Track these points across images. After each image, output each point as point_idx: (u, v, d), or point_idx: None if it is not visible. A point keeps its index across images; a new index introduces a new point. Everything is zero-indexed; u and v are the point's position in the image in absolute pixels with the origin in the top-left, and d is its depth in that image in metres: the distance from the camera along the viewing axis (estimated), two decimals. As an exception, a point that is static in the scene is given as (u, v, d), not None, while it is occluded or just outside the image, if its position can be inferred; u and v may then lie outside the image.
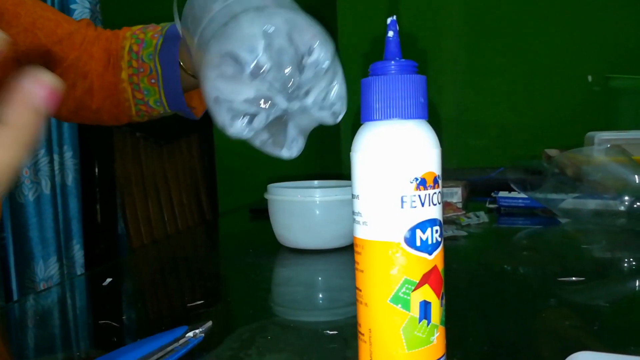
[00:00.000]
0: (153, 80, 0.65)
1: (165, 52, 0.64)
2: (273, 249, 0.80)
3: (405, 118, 0.30)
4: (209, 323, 0.43)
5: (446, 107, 1.63)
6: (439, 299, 0.30)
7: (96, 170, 1.00)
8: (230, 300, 0.58)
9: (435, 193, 0.30)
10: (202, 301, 0.53)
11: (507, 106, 1.63)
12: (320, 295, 0.58)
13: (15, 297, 1.46)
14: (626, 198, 0.74)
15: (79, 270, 1.52)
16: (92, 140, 1.02)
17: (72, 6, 1.50)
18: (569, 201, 0.79)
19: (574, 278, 0.55)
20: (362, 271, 0.31)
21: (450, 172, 1.24)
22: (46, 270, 1.49)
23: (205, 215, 1.22)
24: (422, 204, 0.30)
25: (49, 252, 1.48)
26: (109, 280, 0.62)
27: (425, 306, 0.30)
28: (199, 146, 1.30)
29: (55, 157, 1.50)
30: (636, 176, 0.74)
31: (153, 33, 0.67)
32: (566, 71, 1.57)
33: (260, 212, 1.08)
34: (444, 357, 0.31)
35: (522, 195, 0.89)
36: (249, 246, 0.82)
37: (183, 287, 0.64)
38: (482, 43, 1.65)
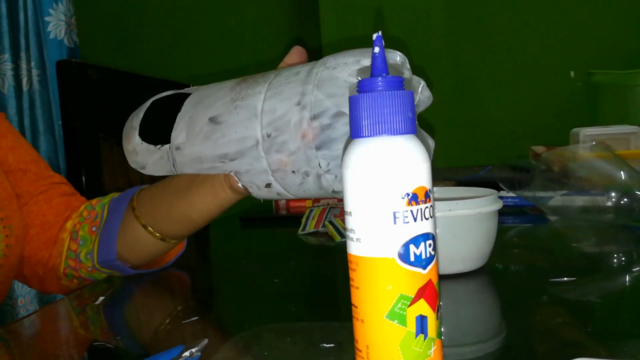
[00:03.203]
0: (94, 228, 0.65)
1: (116, 202, 0.66)
2: (265, 259, 0.80)
3: (393, 134, 0.30)
4: (205, 341, 0.42)
5: (431, 108, 1.63)
6: (434, 312, 0.30)
7: (84, 182, 0.99)
8: (225, 315, 0.58)
9: (427, 207, 0.30)
10: (196, 317, 0.53)
11: (492, 104, 1.64)
12: (319, 308, 0.58)
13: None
14: (613, 194, 0.74)
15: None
16: (79, 152, 1.01)
17: (47, 18, 1.49)
18: (557, 199, 0.80)
19: (565, 278, 0.56)
20: (357, 288, 0.31)
21: (438, 172, 1.24)
22: (23, 285, 1.46)
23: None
24: (415, 219, 0.30)
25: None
26: (101, 298, 0.61)
27: (421, 321, 0.30)
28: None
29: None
30: (622, 172, 0.75)
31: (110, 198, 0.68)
32: (549, 67, 1.58)
33: (250, 221, 1.08)
34: (441, 370, 0.31)
35: (511, 194, 0.89)
36: (241, 256, 0.82)
37: (177, 302, 0.63)
38: (465, 42, 1.66)
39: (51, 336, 0.55)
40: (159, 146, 0.54)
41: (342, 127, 0.43)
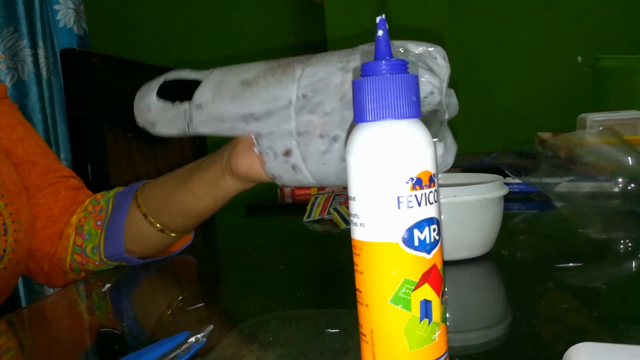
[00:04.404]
0: (99, 222, 0.65)
1: (121, 195, 0.65)
2: (271, 246, 0.80)
3: (398, 118, 0.30)
4: (210, 327, 0.43)
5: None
6: (439, 297, 0.30)
7: (89, 171, 1.00)
8: (231, 302, 0.58)
9: (431, 192, 0.30)
10: (202, 304, 0.53)
11: (497, 90, 1.63)
12: (325, 295, 0.58)
13: (23, 303, 1.46)
14: (620, 179, 0.74)
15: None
16: (85, 141, 1.01)
17: (56, 7, 1.48)
18: (563, 185, 0.80)
19: (571, 264, 0.55)
20: (361, 272, 0.31)
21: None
22: None
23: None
24: (419, 204, 0.30)
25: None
26: (107, 285, 0.61)
27: (425, 305, 0.30)
28: (191, 144, 1.29)
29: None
30: (629, 157, 0.74)
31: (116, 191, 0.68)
32: (556, 52, 1.57)
33: (255, 209, 1.08)
34: (446, 354, 0.31)
35: (517, 180, 0.89)
36: (246, 244, 0.82)
37: (183, 289, 0.64)
38: (469, 28, 1.65)
39: (58, 322, 0.56)
40: (176, 103, 0.52)
41: None
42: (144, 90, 0.56)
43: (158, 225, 0.62)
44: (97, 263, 0.65)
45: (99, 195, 0.69)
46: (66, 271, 0.67)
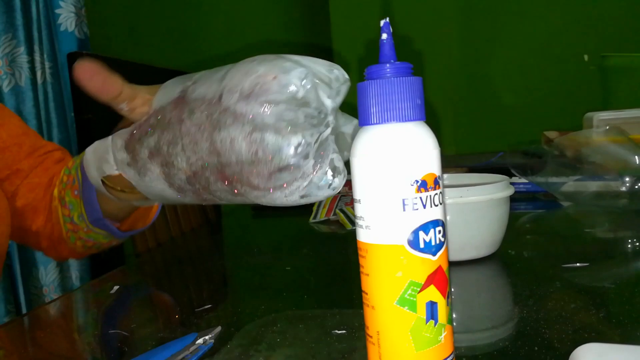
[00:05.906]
0: (76, 192, 0.63)
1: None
2: (277, 247, 0.80)
3: (402, 121, 0.30)
4: (218, 328, 0.43)
5: (442, 94, 1.63)
6: (445, 298, 0.30)
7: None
8: (238, 303, 0.58)
9: (436, 194, 0.30)
10: (210, 305, 0.53)
11: (503, 89, 1.62)
12: (331, 296, 0.58)
13: (22, 301, 1.47)
14: (627, 179, 0.74)
15: (74, 274, 1.53)
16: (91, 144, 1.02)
17: (57, 11, 1.49)
18: (570, 184, 0.79)
19: (578, 264, 0.55)
20: (367, 275, 0.31)
21: (449, 159, 1.24)
22: (47, 275, 1.51)
23: (208, 214, 1.23)
24: (424, 206, 0.30)
25: (49, 259, 1.50)
26: (116, 287, 0.62)
27: (431, 307, 0.30)
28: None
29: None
30: (636, 156, 0.74)
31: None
32: (562, 51, 1.56)
33: (262, 210, 1.09)
34: (452, 355, 0.31)
35: (523, 180, 0.89)
36: (254, 245, 0.83)
37: (190, 291, 0.64)
38: (476, 27, 1.64)
39: (67, 324, 0.56)
40: None
41: None
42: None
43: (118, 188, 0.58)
44: (85, 230, 0.64)
45: (70, 163, 0.66)
46: (66, 240, 0.67)
